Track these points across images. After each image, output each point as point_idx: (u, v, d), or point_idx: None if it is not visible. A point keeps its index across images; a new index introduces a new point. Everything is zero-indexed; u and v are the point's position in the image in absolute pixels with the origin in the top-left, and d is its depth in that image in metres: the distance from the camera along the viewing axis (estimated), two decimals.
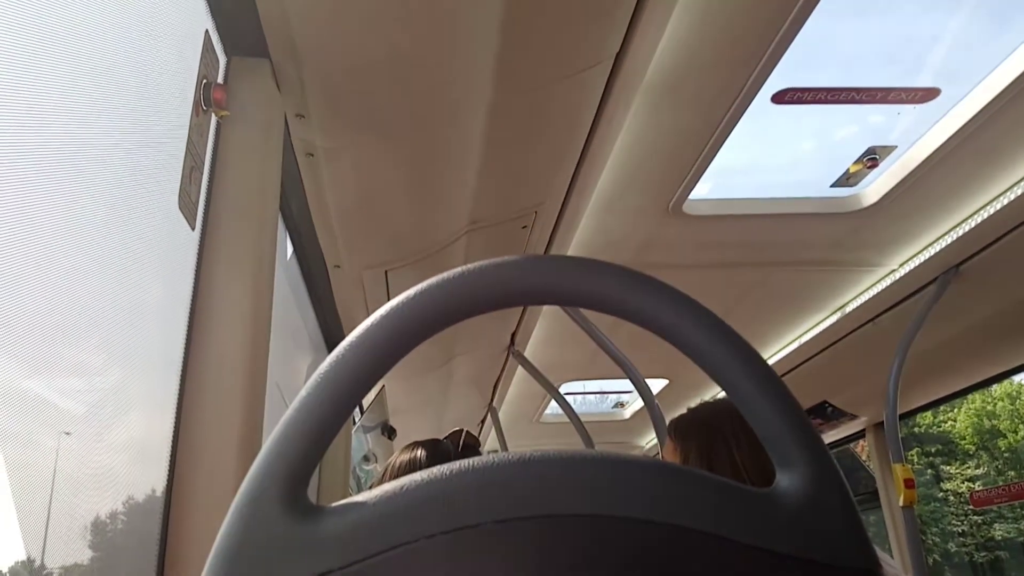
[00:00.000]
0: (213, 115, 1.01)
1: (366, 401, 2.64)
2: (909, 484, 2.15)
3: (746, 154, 2.06)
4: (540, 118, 1.40)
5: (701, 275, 2.25)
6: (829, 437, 3.26)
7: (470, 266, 0.33)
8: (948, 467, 16.67)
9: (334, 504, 0.31)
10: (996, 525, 15.48)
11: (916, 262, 2.13)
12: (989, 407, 16.78)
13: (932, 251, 2.05)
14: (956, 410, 16.95)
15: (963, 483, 16.08)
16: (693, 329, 0.32)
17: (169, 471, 0.87)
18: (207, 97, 0.98)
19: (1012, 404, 16.61)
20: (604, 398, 4.15)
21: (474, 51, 1.16)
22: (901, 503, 2.18)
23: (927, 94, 1.59)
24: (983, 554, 15.63)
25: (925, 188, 1.82)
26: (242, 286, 0.97)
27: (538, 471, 0.30)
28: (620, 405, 4.17)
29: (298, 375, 2.02)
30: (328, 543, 0.29)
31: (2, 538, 0.63)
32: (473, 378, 3.03)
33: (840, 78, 1.56)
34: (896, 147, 1.76)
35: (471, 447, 1.16)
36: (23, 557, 0.66)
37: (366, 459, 3.04)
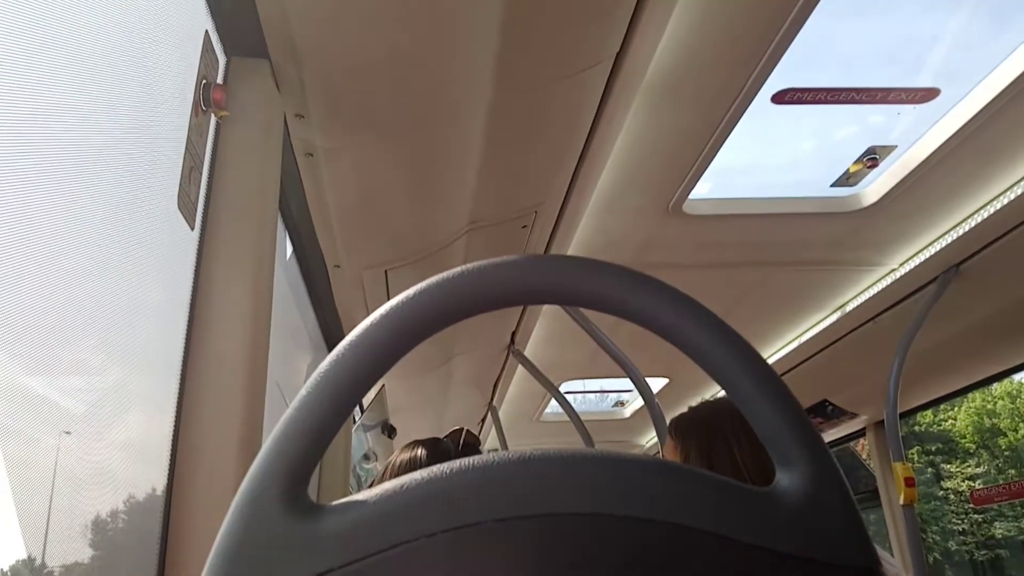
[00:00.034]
0: (213, 115, 1.01)
1: (366, 400, 2.64)
2: (909, 483, 2.15)
3: (746, 154, 2.06)
4: (540, 118, 1.40)
5: (701, 275, 2.25)
6: (829, 436, 3.26)
7: (470, 266, 0.33)
8: (948, 466, 16.67)
9: (334, 503, 0.31)
10: (996, 523, 15.48)
11: (916, 261, 2.13)
12: (989, 406, 16.78)
13: (932, 250, 2.05)
14: (956, 409, 16.96)
15: (963, 481, 16.08)
16: (693, 329, 0.33)
17: (169, 470, 0.87)
18: (207, 97, 0.98)
19: (1012, 403, 16.61)
20: (604, 397, 4.15)
21: (474, 51, 1.16)
22: (901, 502, 2.18)
23: (927, 94, 1.59)
24: (983, 552, 15.63)
25: (925, 188, 1.82)
26: (242, 286, 0.97)
27: (538, 470, 0.30)
28: (620, 404, 4.17)
29: (298, 375, 2.02)
30: (328, 542, 0.29)
31: (3, 537, 0.63)
32: (473, 377, 3.03)
33: (840, 78, 1.56)
34: (896, 147, 1.77)
35: (471, 446, 1.16)
36: (24, 556, 0.66)
37: (366, 458, 3.04)
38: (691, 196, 1.84)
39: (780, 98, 1.56)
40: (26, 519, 0.66)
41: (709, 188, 1.90)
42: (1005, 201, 1.79)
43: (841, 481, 0.31)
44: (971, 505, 14.64)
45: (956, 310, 2.13)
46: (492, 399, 3.38)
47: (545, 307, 2.46)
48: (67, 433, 0.73)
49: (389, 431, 2.99)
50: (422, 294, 0.32)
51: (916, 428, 16.76)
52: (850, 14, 1.74)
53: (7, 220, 0.62)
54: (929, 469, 16.73)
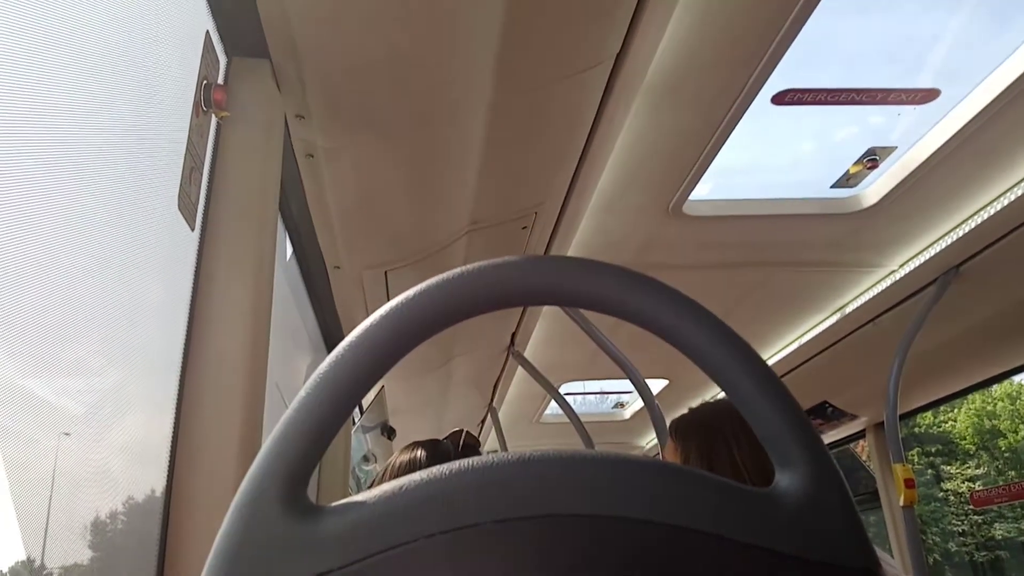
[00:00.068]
0: (213, 116, 1.01)
1: (366, 401, 2.64)
2: (909, 484, 2.15)
3: (746, 154, 2.06)
4: (540, 118, 1.40)
5: (701, 276, 2.25)
6: (829, 437, 3.26)
7: (470, 266, 0.33)
8: (948, 467, 16.67)
9: (334, 504, 0.31)
10: (996, 525, 15.48)
11: (916, 263, 2.13)
12: (989, 407, 16.79)
13: (932, 252, 2.05)
14: (956, 410, 16.96)
15: (963, 483, 16.09)
16: (693, 330, 0.33)
17: (169, 471, 0.87)
18: (207, 98, 0.98)
19: (1012, 404, 16.62)
20: (604, 398, 4.15)
21: (474, 51, 1.16)
22: (901, 503, 2.18)
23: (927, 95, 1.59)
24: (983, 554, 15.63)
25: (925, 189, 1.82)
26: (242, 286, 0.97)
27: (538, 471, 0.30)
28: (620, 405, 4.17)
29: (298, 375, 2.02)
30: (328, 543, 0.29)
31: (2, 538, 0.63)
32: (473, 378, 3.03)
33: (840, 78, 1.56)
34: (896, 148, 1.76)
35: (471, 447, 1.16)
36: (23, 557, 0.66)
37: (366, 459, 3.04)
38: (691, 197, 1.83)
39: (780, 99, 1.56)
40: (25, 520, 0.66)
41: (709, 189, 1.90)
42: (1005, 202, 1.79)
43: (841, 482, 0.31)
44: (971, 506, 14.64)
45: (956, 311, 2.13)
46: (492, 400, 3.38)
47: (545, 308, 2.46)
48: (66, 435, 0.73)
49: (388, 432, 2.99)
50: (422, 295, 0.32)
51: (916, 430, 16.77)
52: (851, 12, 1.74)
53: (7, 219, 0.62)
54: (929, 470, 16.74)
